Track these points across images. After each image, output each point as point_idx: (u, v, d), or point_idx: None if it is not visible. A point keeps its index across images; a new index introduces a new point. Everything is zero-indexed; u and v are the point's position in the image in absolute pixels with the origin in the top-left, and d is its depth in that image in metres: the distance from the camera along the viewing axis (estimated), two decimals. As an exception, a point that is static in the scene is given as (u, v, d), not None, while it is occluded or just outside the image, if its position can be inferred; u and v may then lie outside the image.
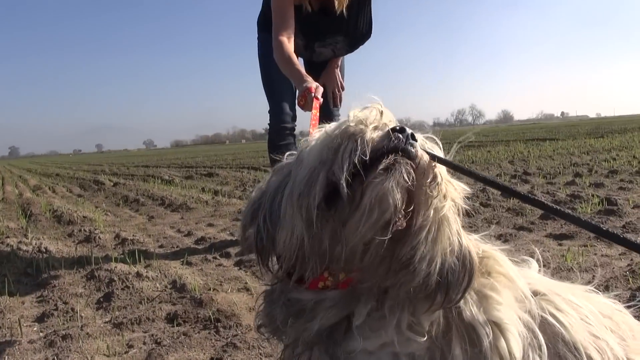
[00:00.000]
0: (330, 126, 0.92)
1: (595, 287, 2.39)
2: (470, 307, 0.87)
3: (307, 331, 0.90)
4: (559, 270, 2.65)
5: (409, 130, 0.86)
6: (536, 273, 1.02)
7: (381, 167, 0.81)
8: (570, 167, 7.65)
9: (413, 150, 0.84)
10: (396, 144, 0.84)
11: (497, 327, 0.86)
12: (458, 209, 0.92)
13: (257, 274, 3.00)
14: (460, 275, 0.86)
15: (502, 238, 3.39)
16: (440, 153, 0.92)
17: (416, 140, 0.86)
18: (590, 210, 4.08)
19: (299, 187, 0.86)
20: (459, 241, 0.88)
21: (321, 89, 2.58)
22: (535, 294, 0.92)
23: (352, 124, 0.88)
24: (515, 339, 0.85)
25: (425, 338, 0.85)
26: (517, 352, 0.84)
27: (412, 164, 0.83)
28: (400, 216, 0.81)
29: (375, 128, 0.88)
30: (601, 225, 0.77)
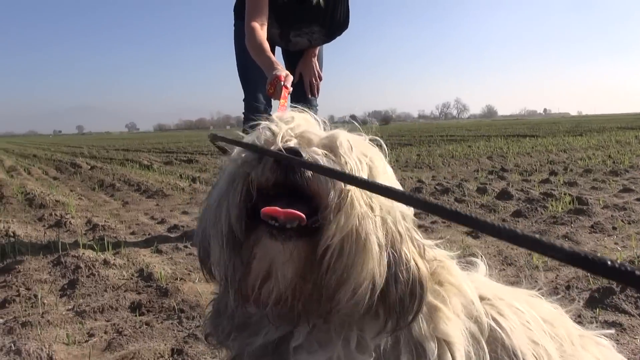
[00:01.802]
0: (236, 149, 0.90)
1: (556, 287, 2.43)
2: (419, 322, 0.87)
3: (250, 346, 0.89)
4: (525, 269, 2.69)
5: (293, 151, 0.81)
6: (483, 277, 1.03)
7: (265, 220, 0.79)
8: (546, 165, 7.76)
9: (299, 178, 0.79)
10: (279, 176, 0.80)
11: (445, 343, 0.86)
12: (406, 228, 0.87)
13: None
14: (410, 303, 0.83)
15: (472, 234, 3.43)
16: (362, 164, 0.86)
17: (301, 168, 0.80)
18: (561, 209, 4.15)
19: (213, 211, 0.86)
20: (405, 263, 0.83)
21: (291, 78, 2.55)
22: (480, 298, 0.93)
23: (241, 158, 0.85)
24: (461, 355, 0.86)
25: (373, 357, 0.85)
26: None
27: (304, 190, 0.79)
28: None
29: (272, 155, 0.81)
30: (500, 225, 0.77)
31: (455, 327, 0.88)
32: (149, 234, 3.91)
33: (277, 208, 0.77)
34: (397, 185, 0.91)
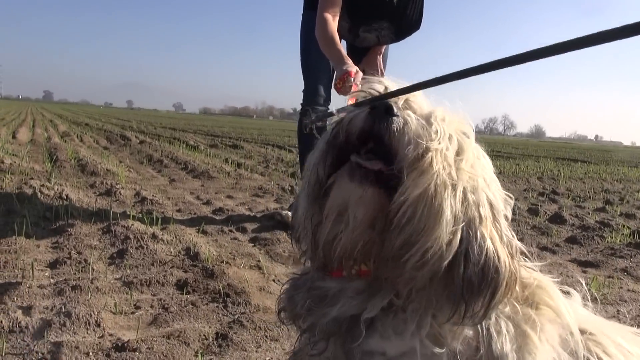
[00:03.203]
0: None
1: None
2: (502, 341, 0.79)
3: (325, 317, 0.84)
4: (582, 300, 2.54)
5: (385, 105, 0.81)
6: (582, 308, 0.94)
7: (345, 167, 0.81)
8: (601, 193, 7.42)
9: (383, 129, 0.80)
10: (366, 124, 0.82)
11: None
12: (492, 215, 0.81)
13: (270, 253, 2.96)
14: (479, 287, 0.76)
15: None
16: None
17: (394, 115, 0.80)
18: (620, 240, 3.93)
19: (307, 173, 0.89)
20: (480, 243, 0.77)
21: (361, 75, 2.49)
22: (581, 332, 0.84)
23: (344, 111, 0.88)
24: None
25: (445, 350, 0.78)
26: None
27: (385, 147, 0.80)
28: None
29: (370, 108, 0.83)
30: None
31: (542, 358, 0.80)
32: (194, 214, 3.94)
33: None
34: (495, 181, 0.86)
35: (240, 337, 1.84)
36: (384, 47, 3.64)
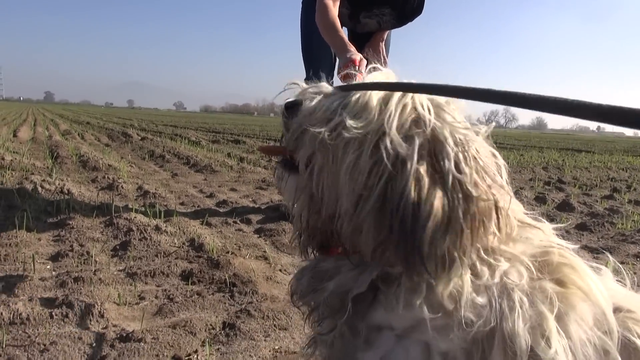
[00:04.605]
0: None
1: None
2: (514, 319, 0.71)
3: (325, 291, 0.81)
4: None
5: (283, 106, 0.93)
6: (616, 284, 0.87)
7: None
8: (607, 181, 7.34)
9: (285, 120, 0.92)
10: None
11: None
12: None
13: (276, 244, 2.91)
14: (407, 227, 0.70)
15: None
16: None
17: (290, 111, 0.90)
18: (631, 226, 3.86)
19: None
20: (401, 187, 0.72)
21: (365, 62, 2.42)
22: (618, 310, 0.77)
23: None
24: None
25: (455, 320, 0.72)
26: None
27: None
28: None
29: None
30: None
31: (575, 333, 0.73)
32: (198, 206, 3.88)
33: (268, 146, 1.03)
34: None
35: (248, 326, 1.78)
36: (386, 33, 3.57)
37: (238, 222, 3.39)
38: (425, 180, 0.72)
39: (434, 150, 0.75)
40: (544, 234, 0.82)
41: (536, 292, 0.74)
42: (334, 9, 2.89)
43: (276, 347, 1.68)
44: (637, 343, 0.73)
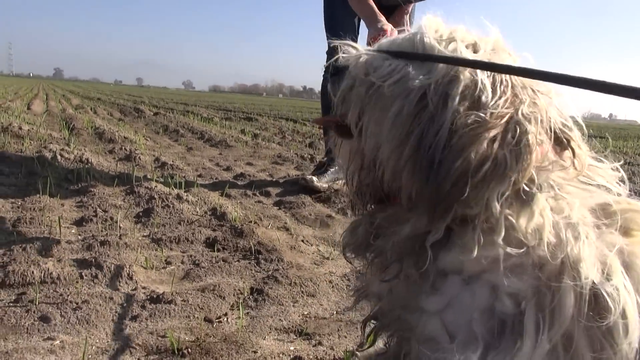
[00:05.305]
0: None
1: None
2: (580, 245, 0.69)
3: (397, 234, 0.78)
4: None
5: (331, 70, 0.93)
6: None
7: None
8: (625, 167, 7.24)
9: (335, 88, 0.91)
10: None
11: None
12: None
13: (297, 216, 2.89)
14: (439, 160, 0.71)
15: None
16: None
17: (336, 77, 0.91)
18: (653, 209, 3.81)
19: None
20: (439, 124, 0.72)
21: (396, 33, 2.37)
22: None
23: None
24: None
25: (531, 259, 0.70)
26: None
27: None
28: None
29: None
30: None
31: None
32: (215, 179, 3.87)
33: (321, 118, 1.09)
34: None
35: (276, 292, 1.78)
36: (411, 5, 3.49)
37: (257, 194, 3.38)
38: (463, 116, 0.71)
39: (474, 91, 0.73)
40: (612, 178, 0.80)
41: (604, 232, 0.73)
42: None
43: (305, 313, 1.68)
44: None
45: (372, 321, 0.93)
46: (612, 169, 0.83)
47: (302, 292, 1.82)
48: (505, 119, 0.70)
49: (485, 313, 0.71)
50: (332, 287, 1.89)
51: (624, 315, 0.68)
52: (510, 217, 0.70)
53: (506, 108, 0.71)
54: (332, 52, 3.24)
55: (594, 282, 0.68)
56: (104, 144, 5.28)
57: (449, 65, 0.74)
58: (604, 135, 18.24)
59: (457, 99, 0.71)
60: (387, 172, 0.78)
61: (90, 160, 3.88)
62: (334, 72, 0.92)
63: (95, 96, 22.68)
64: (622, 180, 0.83)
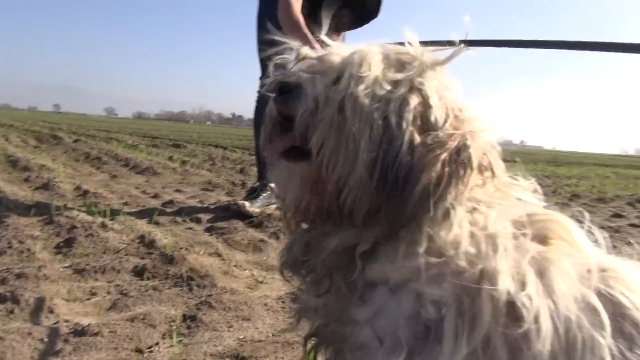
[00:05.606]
0: None
1: None
2: (497, 258, 0.77)
3: (325, 250, 0.81)
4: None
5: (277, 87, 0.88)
6: (592, 246, 0.93)
7: None
8: (535, 187, 7.81)
9: (279, 105, 0.88)
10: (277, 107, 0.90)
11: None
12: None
13: (229, 241, 2.86)
14: (400, 179, 0.76)
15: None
16: None
17: (286, 96, 0.86)
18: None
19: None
20: (397, 146, 0.77)
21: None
22: (601, 270, 0.82)
23: None
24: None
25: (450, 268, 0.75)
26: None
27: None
28: None
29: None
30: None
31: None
32: (143, 206, 3.74)
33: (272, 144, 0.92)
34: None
35: (210, 318, 1.75)
36: (342, 34, 3.64)
37: (187, 220, 3.30)
38: (417, 138, 0.76)
39: (424, 112, 0.79)
40: (527, 193, 0.88)
41: (520, 242, 0.79)
42: (297, 6, 2.92)
43: (241, 337, 1.66)
44: (620, 299, 0.78)
45: (312, 338, 0.95)
46: (527, 184, 0.92)
47: (237, 316, 1.80)
48: (456, 140, 0.77)
49: (411, 319, 0.76)
50: (267, 310, 1.88)
51: (536, 320, 0.75)
52: (429, 230, 0.76)
53: (454, 129, 0.78)
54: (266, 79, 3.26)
55: (509, 292, 0.75)
56: (18, 172, 4.93)
57: (403, 83, 0.80)
58: (516, 160, 19.66)
59: (411, 119, 0.77)
60: (350, 193, 0.78)
61: (2, 189, 3.62)
62: (285, 89, 0.87)
63: (7, 123, 21.16)
64: (536, 191, 0.91)
